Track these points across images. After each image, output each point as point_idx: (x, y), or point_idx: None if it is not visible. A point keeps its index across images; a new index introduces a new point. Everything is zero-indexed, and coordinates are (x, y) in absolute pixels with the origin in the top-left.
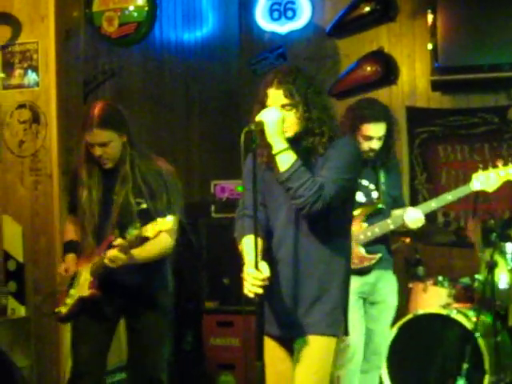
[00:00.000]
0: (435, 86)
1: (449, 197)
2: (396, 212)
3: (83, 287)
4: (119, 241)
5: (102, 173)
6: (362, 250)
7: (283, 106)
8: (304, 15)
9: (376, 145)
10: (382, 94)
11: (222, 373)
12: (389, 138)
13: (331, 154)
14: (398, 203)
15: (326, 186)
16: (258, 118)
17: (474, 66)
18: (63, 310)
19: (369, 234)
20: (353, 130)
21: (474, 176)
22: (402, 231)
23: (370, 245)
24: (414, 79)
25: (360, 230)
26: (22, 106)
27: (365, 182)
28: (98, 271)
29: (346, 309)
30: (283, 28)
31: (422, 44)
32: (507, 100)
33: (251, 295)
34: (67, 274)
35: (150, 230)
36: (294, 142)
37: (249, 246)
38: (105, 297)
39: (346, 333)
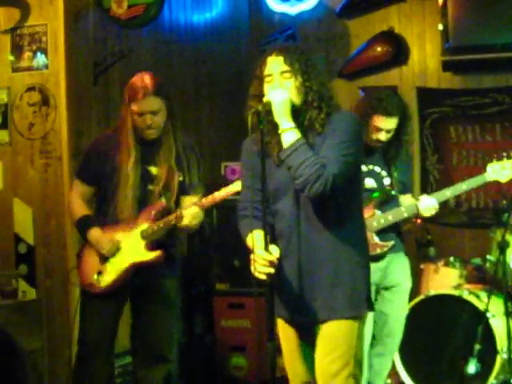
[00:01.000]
0: (446, 66)
1: (463, 186)
2: (409, 200)
3: (134, 254)
4: (196, 199)
5: (138, 145)
6: (375, 238)
7: (283, 73)
8: None
9: (383, 137)
10: (392, 75)
11: (233, 354)
12: (400, 134)
13: (329, 131)
14: (405, 190)
15: (328, 165)
16: (265, 99)
17: (485, 45)
18: (107, 279)
19: (382, 221)
20: (365, 116)
21: (489, 166)
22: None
23: (381, 231)
24: (425, 59)
25: (373, 217)
26: (31, 89)
27: (377, 169)
28: (155, 236)
29: (368, 285)
30: (293, 9)
31: (432, 24)
32: None
33: (262, 276)
34: (114, 243)
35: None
36: (292, 117)
37: (257, 234)
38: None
39: (371, 308)
